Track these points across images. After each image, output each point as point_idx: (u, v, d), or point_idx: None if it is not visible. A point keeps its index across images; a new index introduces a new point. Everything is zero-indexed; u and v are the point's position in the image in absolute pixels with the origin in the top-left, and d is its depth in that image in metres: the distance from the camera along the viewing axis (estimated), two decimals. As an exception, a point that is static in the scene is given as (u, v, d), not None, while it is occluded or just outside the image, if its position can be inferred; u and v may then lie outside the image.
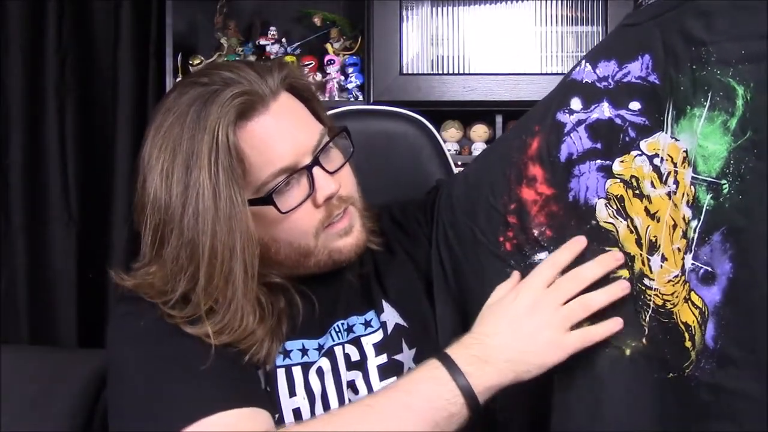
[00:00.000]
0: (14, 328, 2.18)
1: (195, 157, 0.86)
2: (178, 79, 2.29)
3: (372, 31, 2.19)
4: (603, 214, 0.89)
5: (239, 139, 0.88)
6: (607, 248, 0.88)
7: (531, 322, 0.86)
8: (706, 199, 0.79)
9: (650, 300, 0.85)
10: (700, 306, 0.80)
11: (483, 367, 0.84)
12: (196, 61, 2.31)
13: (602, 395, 0.86)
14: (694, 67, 0.81)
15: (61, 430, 1.33)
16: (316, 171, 0.92)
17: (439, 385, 0.83)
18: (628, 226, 0.87)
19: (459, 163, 2.23)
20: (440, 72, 2.25)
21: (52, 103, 2.22)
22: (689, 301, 0.81)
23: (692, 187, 0.81)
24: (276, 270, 0.95)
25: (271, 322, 0.92)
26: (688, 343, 0.81)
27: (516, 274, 0.93)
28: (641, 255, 0.86)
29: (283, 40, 2.38)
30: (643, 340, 0.85)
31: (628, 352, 0.85)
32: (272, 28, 2.38)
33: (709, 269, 0.79)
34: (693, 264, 0.81)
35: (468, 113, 2.33)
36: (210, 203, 0.85)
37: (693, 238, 0.81)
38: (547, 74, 2.23)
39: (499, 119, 2.32)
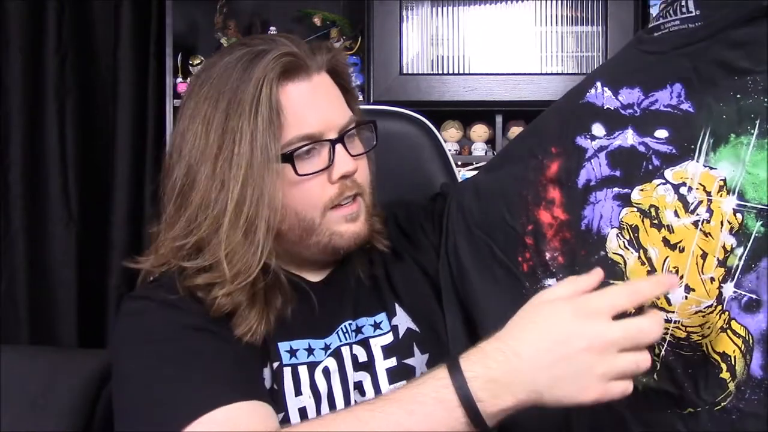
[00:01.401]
0: (14, 328, 2.18)
1: (237, 105, 0.89)
2: (178, 80, 2.29)
3: (372, 31, 2.19)
4: (613, 244, 0.88)
5: (280, 95, 0.90)
6: (611, 281, 0.86)
7: (579, 360, 0.73)
8: (756, 226, 0.79)
9: (666, 333, 0.82)
10: (743, 335, 0.79)
11: (500, 393, 0.74)
12: (196, 61, 2.31)
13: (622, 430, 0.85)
14: (738, 96, 0.82)
15: (61, 430, 1.33)
16: (339, 148, 0.93)
17: (446, 410, 0.74)
18: (639, 257, 0.86)
19: (459, 163, 2.24)
20: (440, 72, 2.25)
21: (52, 103, 2.22)
22: (729, 330, 0.80)
23: (738, 214, 0.80)
24: (280, 248, 0.95)
25: (261, 303, 0.92)
26: (725, 374, 0.79)
27: (573, 279, 0.80)
28: None
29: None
30: (655, 376, 0.84)
31: (639, 388, 0.83)
32: (272, 28, 2.38)
33: (754, 296, 0.79)
34: (735, 292, 0.80)
35: (468, 113, 2.33)
36: (247, 148, 0.88)
37: (737, 266, 0.80)
38: (547, 74, 2.24)
39: (499, 119, 2.32)
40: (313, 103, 0.93)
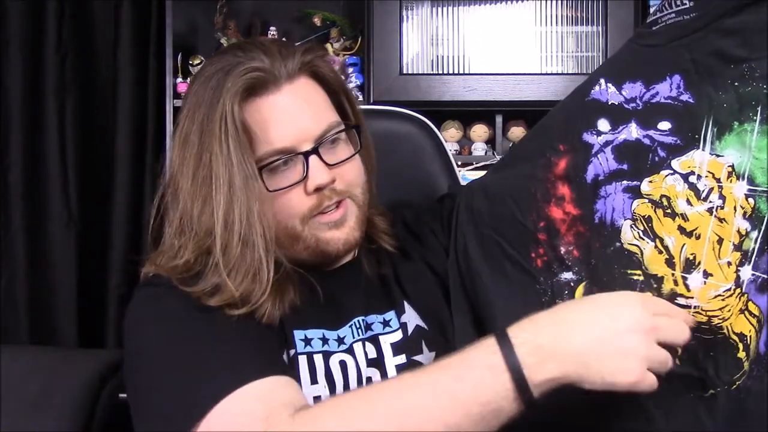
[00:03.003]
0: (14, 328, 2.18)
1: (208, 123, 0.90)
2: (178, 80, 2.29)
3: (372, 31, 2.19)
4: (628, 236, 0.89)
5: (245, 113, 0.90)
6: (629, 271, 0.88)
7: (627, 340, 0.77)
8: None
9: None
10: (758, 314, 0.82)
11: (546, 361, 0.75)
12: (196, 61, 2.31)
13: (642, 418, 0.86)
14: (736, 84, 0.83)
15: (61, 430, 1.33)
16: (313, 159, 0.93)
17: (493, 375, 0.75)
18: (656, 246, 0.87)
19: (459, 163, 2.24)
20: (440, 72, 2.25)
21: (52, 103, 2.22)
22: (746, 312, 0.82)
23: (750, 199, 0.82)
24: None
25: (274, 291, 0.92)
26: (741, 354, 0.82)
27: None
28: (673, 274, 0.86)
29: (283, 40, 2.38)
30: (677, 361, 0.84)
31: (662, 374, 0.84)
32: (272, 28, 2.38)
33: (767, 276, 0.81)
34: (753, 275, 0.82)
35: (468, 113, 2.33)
36: (223, 169, 0.88)
37: (753, 249, 0.82)
38: (547, 74, 2.24)
39: (499, 119, 2.32)
40: (282, 116, 0.92)
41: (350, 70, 2.31)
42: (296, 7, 2.43)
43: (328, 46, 2.36)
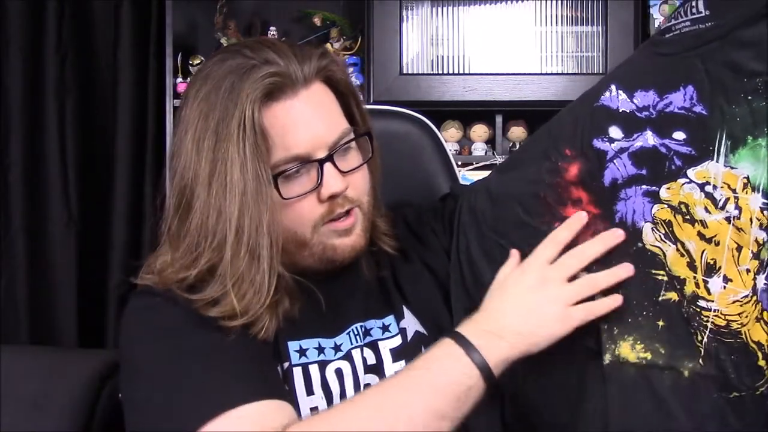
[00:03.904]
0: (14, 328, 2.18)
1: (225, 128, 0.87)
2: (178, 80, 2.29)
3: (372, 31, 2.19)
4: (650, 238, 0.89)
5: (263, 118, 0.89)
6: (653, 271, 0.88)
7: (538, 297, 0.89)
8: None
9: (707, 321, 0.85)
10: None
11: (495, 341, 0.86)
12: (196, 61, 2.31)
13: (663, 415, 0.86)
14: (749, 98, 0.83)
15: (61, 430, 1.33)
16: (327, 167, 0.91)
17: (455, 360, 0.85)
18: (677, 249, 0.87)
19: (459, 163, 2.24)
20: (440, 72, 2.25)
21: (52, 103, 2.22)
22: (762, 320, 0.83)
23: (765, 212, 0.83)
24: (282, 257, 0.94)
25: (271, 305, 0.91)
26: (762, 362, 0.82)
27: (515, 253, 0.95)
28: (695, 277, 0.86)
29: (283, 40, 2.38)
30: (700, 361, 0.85)
31: (686, 373, 0.86)
32: (272, 28, 2.38)
33: None
34: (766, 284, 0.83)
35: (468, 113, 2.33)
36: (238, 176, 0.87)
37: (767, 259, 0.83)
38: (547, 74, 2.24)
39: (499, 119, 2.32)
40: (299, 122, 0.91)
41: (350, 70, 2.31)
42: (296, 7, 2.43)
43: (328, 46, 2.36)
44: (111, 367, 1.38)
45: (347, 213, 0.94)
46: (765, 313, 0.83)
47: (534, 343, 0.87)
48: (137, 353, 0.89)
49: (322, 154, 0.91)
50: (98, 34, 2.33)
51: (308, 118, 0.91)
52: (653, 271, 0.88)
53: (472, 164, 2.28)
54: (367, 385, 0.95)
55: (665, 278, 0.88)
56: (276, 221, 0.89)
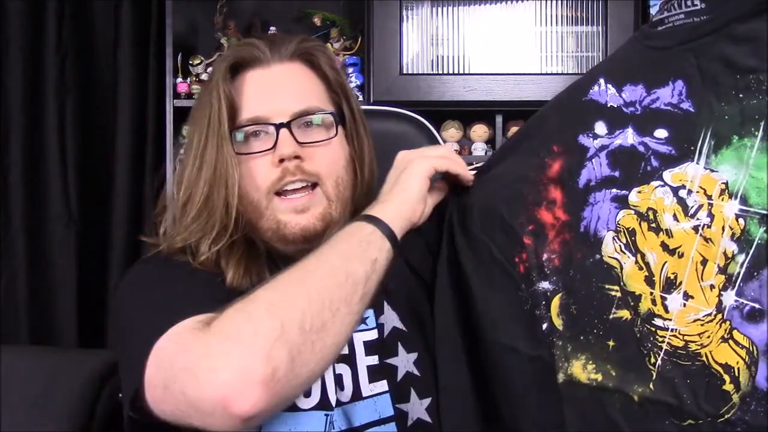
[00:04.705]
0: (14, 328, 2.18)
1: (202, 103, 0.99)
2: (178, 80, 2.29)
3: (372, 31, 2.19)
4: (609, 248, 0.85)
5: (234, 85, 0.98)
6: (607, 286, 0.84)
7: (407, 172, 0.96)
8: (759, 233, 0.77)
9: (662, 341, 0.81)
10: (747, 345, 0.77)
11: (383, 207, 0.92)
12: (196, 61, 2.31)
13: None
14: (741, 95, 0.79)
15: (61, 430, 1.33)
16: (283, 131, 0.96)
17: (357, 228, 0.89)
18: (636, 261, 0.83)
19: (459, 163, 2.23)
20: (440, 72, 2.25)
21: (52, 103, 2.22)
22: (731, 341, 0.77)
23: (740, 220, 0.78)
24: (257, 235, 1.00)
25: (242, 256, 0.97)
26: (728, 386, 0.77)
27: None
28: (652, 293, 0.82)
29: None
30: (650, 386, 0.81)
31: (636, 398, 0.82)
32: (272, 28, 2.38)
33: (757, 306, 0.76)
34: (736, 301, 0.78)
35: (468, 113, 2.33)
36: (205, 135, 0.97)
37: (738, 273, 0.78)
38: (547, 74, 2.24)
39: (499, 119, 2.32)
40: (265, 89, 0.98)
41: (350, 70, 2.31)
42: (296, 7, 2.43)
43: (328, 46, 2.36)
44: (111, 367, 1.39)
45: (303, 189, 0.96)
46: (735, 332, 0.77)
47: (414, 205, 0.93)
48: (125, 301, 0.95)
49: (282, 120, 0.96)
50: (98, 34, 2.33)
51: (275, 86, 0.98)
52: (606, 286, 0.84)
53: (472, 164, 2.27)
54: (339, 376, 0.95)
55: (618, 294, 0.84)
56: (233, 182, 0.95)
